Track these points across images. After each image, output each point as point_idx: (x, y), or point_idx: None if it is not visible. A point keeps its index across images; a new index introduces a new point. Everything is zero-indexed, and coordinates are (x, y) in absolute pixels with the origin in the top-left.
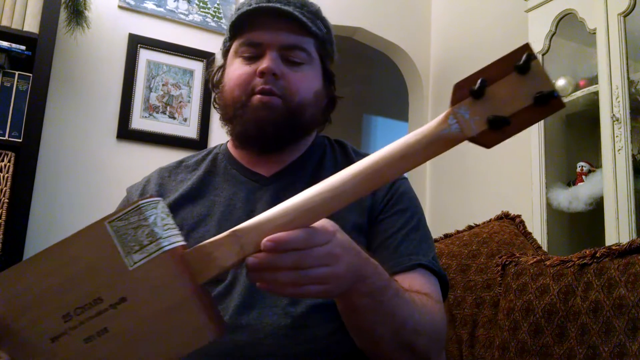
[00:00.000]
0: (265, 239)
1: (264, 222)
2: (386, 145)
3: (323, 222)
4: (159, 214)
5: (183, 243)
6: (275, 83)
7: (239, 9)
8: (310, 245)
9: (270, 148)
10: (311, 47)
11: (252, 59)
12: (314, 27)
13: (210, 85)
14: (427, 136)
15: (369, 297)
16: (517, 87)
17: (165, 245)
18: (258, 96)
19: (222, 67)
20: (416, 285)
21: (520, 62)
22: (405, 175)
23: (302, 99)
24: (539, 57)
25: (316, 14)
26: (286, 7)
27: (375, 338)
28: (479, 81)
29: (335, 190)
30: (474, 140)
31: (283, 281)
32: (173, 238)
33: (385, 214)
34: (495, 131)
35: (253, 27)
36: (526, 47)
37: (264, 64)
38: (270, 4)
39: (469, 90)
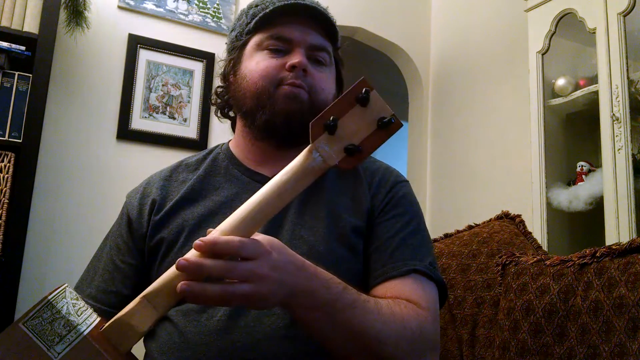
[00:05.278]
0: (197, 240)
1: (167, 280)
2: (264, 186)
3: (260, 237)
4: (69, 301)
5: (98, 320)
6: (303, 79)
7: (257, 5)
8: (238, 254)
9: (291, 141)
10: (331, 51)
11: (279, 52)
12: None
13: (221, 78)
14: (297, 172)
15: (318, 310)
16: (362, 117)
17: (83, 330)
18: (288, 87)
19: (235, 59)
20: (405, 291)
21: (360, 95)
22: (405, 177)
23: (324, 98)
24: (539, 56)
25: (335, 22)
26: (320, 8)
27: (334, 348)
28: (330, 118)
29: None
30: (336, 167)
31: (210, 295)
32: (89, 320)
33: (382, 217)
34: (351, 157)
35: (283, 23)
36: (363, 82)
37: (295, 58)
38: (307, 2)
39: (324, 126)
